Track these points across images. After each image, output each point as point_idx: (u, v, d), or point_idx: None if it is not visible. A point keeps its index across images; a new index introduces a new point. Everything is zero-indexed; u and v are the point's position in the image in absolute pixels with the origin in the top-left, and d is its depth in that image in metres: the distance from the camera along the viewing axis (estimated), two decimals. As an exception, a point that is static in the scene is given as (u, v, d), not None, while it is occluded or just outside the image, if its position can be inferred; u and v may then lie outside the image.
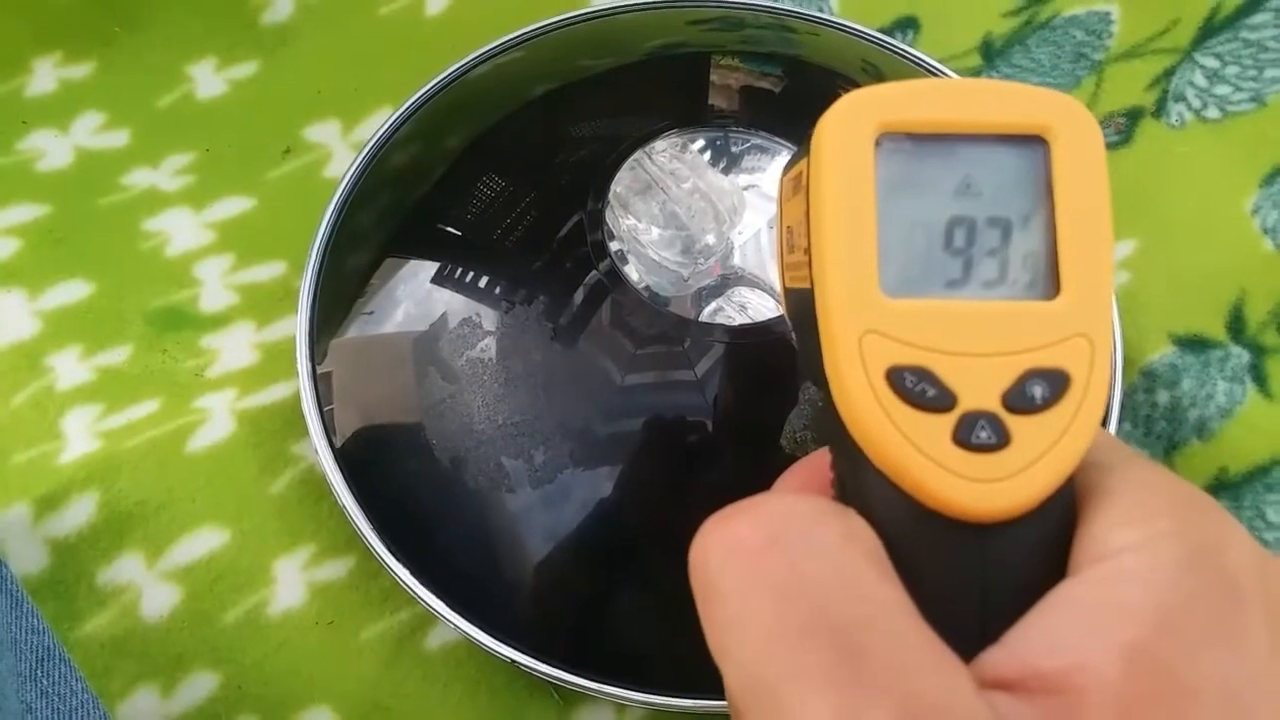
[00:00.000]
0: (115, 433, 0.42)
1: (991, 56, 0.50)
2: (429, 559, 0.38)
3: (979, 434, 0.18)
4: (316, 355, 0.41)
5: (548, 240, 0.40)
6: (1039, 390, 0.18)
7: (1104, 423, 0.41)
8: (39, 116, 0.49)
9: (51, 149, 0.48)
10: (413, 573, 0.37)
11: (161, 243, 0.47)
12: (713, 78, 0.47)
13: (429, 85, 0.47)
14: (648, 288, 0.38)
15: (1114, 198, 0.48)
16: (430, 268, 0.41)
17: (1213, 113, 0.47)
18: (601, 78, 0.49)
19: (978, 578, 0.18)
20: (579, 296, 0.38)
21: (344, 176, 0.45)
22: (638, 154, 0.39)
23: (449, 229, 0.42)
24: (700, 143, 0.41)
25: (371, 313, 0.41)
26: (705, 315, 0.38)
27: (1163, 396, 0.42)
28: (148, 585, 0.39)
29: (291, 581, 0.39)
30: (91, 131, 0.49)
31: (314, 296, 0.42)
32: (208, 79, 0.50)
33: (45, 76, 0.50)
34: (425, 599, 0.37)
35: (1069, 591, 0.17)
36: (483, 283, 0.40)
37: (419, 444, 0.38)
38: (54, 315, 0.45)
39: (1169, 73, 0.48)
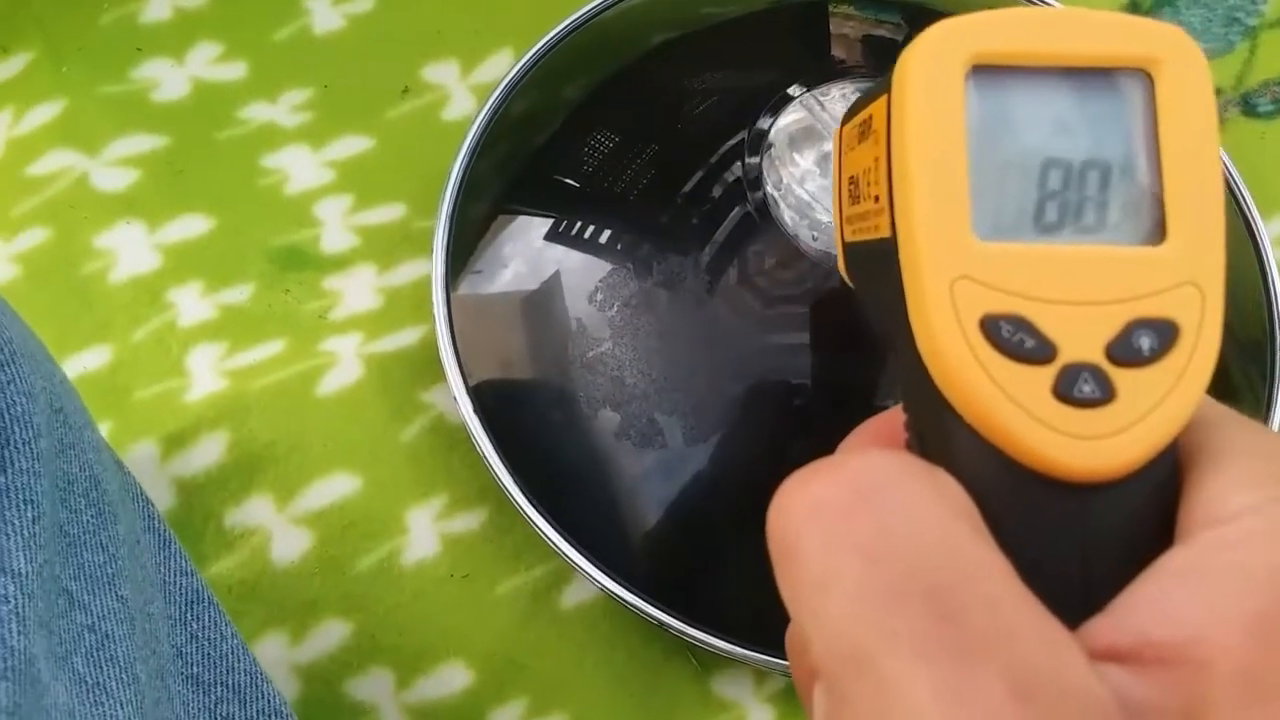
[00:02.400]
0: (242, 372, 0.41)
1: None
2: (569, 512, 0.37)
3: (1082, 387, 0.17)
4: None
5: (702, 190, 0.38)
6: (1146, 341, 0.17)
7: (1266, 413, 0.40)
8: (153, 44, 0.47)
9: (167, 79, 0.47)
10: (554, 526, 0.36)
11: (280, 180, 0.45)
12: (833, 28, 0.46)
13: (557, 30, 0.46)
14: (797, 238, 0.37)
15: (1271, 169, 0.46)
16: (574, 221, 0.39)
17: (1376, 85, 0.45)
18: (724, 27, 0.47)
19: (1079, 542, 0.17)
20: (736, 247, 0.37)
21: (475, 118, 0.43)
22: (806, 98, 0.37)
23: (573, 181, 0.41)
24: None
25: (507, 264, 0.40)
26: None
27: (1319, 378, 0.41)
28: (278, 529, 0.38)
29: (424, 532, 0.38)
30: (208, 62, 0.47)
31: (448, 243, 0.41)
32: (325, 13, 0.49)
33: (160, 3, 0.48)
34: (567, 553, 0.36)
35: (1182, 557, 0.16)
36: (633, 235, 0.38)
37: (564, 396, 0.37)
38: (174, 249, 0.43)
39: (1328, 42, 0.46)
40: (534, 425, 0.38)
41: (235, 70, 0.47)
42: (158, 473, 0.39)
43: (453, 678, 0.37)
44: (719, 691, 0.37)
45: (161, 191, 0.44)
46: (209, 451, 0.39)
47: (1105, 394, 0.17)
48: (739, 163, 0.38)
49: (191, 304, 0.42)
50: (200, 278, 0.43)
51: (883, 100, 0.19)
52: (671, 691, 0.37)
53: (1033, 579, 0.16)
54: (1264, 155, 0.45)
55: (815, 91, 0.37)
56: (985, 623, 0.15)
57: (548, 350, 0.38)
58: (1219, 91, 0.46)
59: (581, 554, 0.36)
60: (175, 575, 0.32)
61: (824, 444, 0.37)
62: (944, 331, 0.17)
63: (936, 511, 0.16)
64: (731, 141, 0.40)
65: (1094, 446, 0.17)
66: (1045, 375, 0.17)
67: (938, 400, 0.18)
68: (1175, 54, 0.18)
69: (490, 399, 0.38)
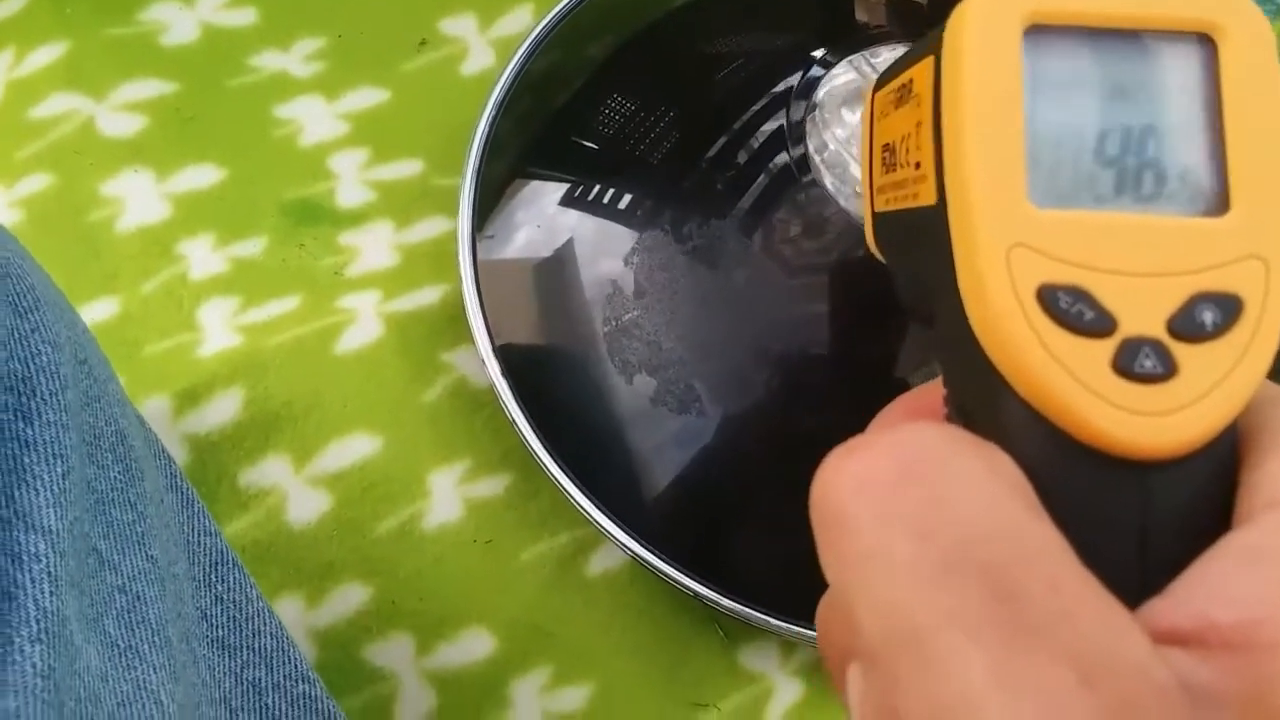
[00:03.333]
0: (257, 328, 0.39)
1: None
2: (597, 478, 0.36)
3: (1143, 362, 0.16)
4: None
5: (737, 153, 0.37)
6: (1209, 316, 0.16)
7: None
8: (162, -14, 0.46)
9: (176, 22, 0.45)
10: (582, 490, 0.35)
11: (294, 131, 0.44)
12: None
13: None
14: (840, 201, 0.36)
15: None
16: (604, 184, 0.38)
17: None
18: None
19: (1137, 522, 0.16)
20: (777, 211, 0.36)
21: (501, 75, 0.42)
22: (855, 58, 0.36)
23: (596, 145, 0.40)
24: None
25: (535, 225, 0.39)
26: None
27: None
28: (294, 489, 0.37)
29: (447, 496, 0.37)
30: (217, 7, 0.46)
31: (474, 201, 0.39)
32: (340, -41, 0.47)
33: (169, -56, 0.46)
34: (595, 517, 0.35)
35: (1243, 539, 0.16)
36: (667, 198, 0.37)
37: (596, 361, 0.36)
38: (184, 199, 0.42)
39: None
40: (563, 389, 0.37)
41: (246, 16, 0.46)
42: (170, 430, 0.38)
43: (475, 644, 0.36)
44: (746, 663, 0.37)
45: (170, 139, 0.43)
46: (224, 409, 0.38)
47: (1167, 369, 0.16)
48: (775, 125, 0.37)
49: (202, 256, 0.41)
50: (211, 230, 0.41)
51: (926, 63, 0.19)
52: (698, 662, 0.36)
53: (1088, 560, 0.15)
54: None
55: (865, 52, 0.36)
56: (1044, 602, 0.14)
57: (578, 314, 0.37)
58: None
59: (610, 518, 0.35)
60: (199, 535, 0.31)
61: (864, 413, 0.36)
62: (999, 301, 0.16)
63: (991, 486, 0.15)
64: (758, 106, 0.39)
65: (1155, 423, 0.16)
66: (1105, 349, 0.16)
67: (988, 373, 0.17)
68: (1239, 19, 0.18)
69: (516, 362, 0.37)
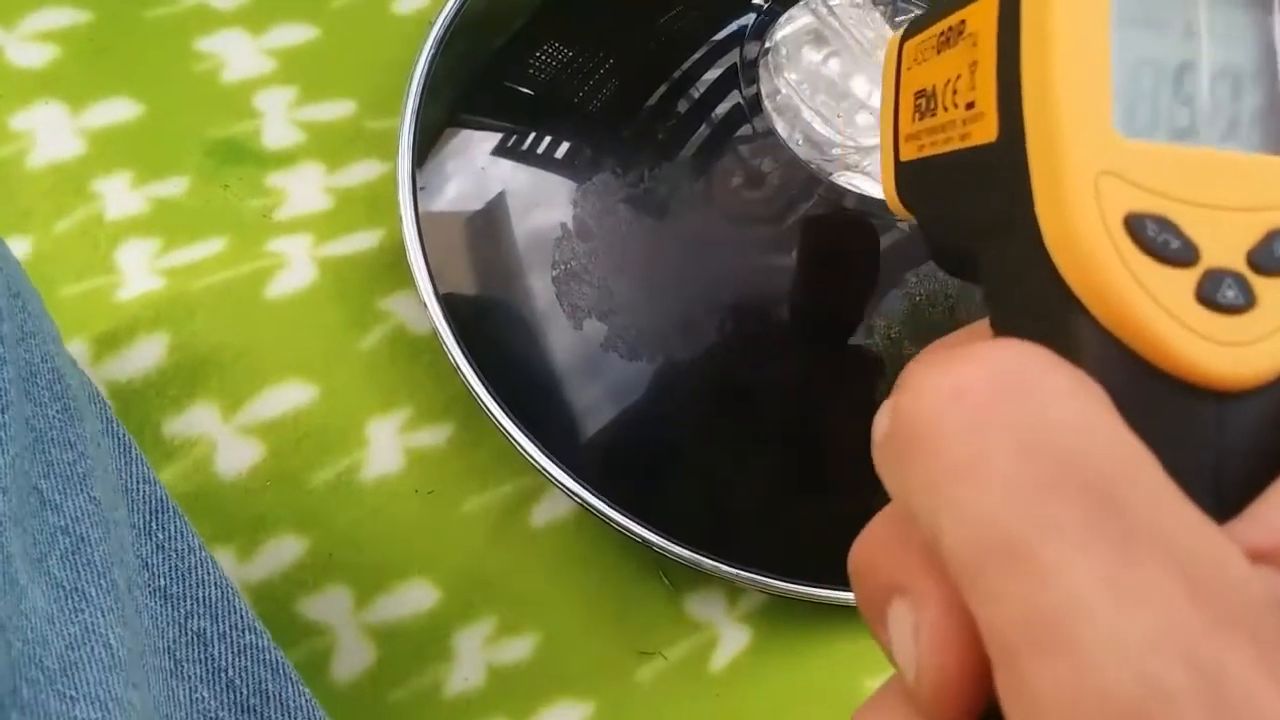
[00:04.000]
0: (180, 270, 0.38)
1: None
2: (541, 424, 0.35)
3: (1225, 293, 0.17)
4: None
5: (678, 100, 0.37)
6: None
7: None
8: (71, -91, 0.43)
9: (87, -53, 0.42)
10: (527, 436, 0.35)
11: (216, 66, 0.42)
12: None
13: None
14: (794, 146, 0.36)
15: None
16: (546, 128, 0.38)
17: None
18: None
19: (1213, 450, 0.17)
20: (730, 157, 0.36)
21: (440, 13, 0.41)
22: (814, 2, 0.36)
23: (530, 90, 0.39)
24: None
25: (484, 168, 0.38)
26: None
27: None
28: (223, 439, 0.36)
29: (386, 445, 0.36)
30: (132, -67, 0.43)
31: (414, 142, 0.38)
32: (264, -111, 0.45)
33: None
34: (541, 462, 0.34)
35: None
36: (616, 142, 0.37)
37: (541, 305, 0.35)
38: (99, 135, 0.40)
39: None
40: (507, 334, 0.36)
41: (163, -56, 0.43)
42: (88, 374, 0.35)
43: (416, 596, 0.35)
44: (692, 611, 0.37)
45: (84, 71, 0.40)
46: (146, 354, 0.36)
47: (1247, 300, 0.17)
48: (716, 73, 0.37)
49: (119, 195, 0.39)
50: (129, 168, 0.39)
51: (984, 4, 0.19)
52: (644, 611, 0.36)
53: None
54: None
55: (821, -2, 0.36)
56: (1148, 512, 0.14)
57: (524, 258, 0.36)
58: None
59: (556, 464, 0.35)
60: (138, 483, 0.29)
61: (811, 362, 0.37)
62: (1087, 228, 0.17)
63: (1087, 404, 0.15)
64: (699, 54, 0.39)
65: (1235, 352, 0.16)
66: (1189, 278, 0.16)
67: (1064, 303, 0.17)
68: None
69: (458, 308, 0.36)
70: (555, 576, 0.36)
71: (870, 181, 0.37)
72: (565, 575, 0.36)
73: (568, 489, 0.34)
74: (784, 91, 0.36)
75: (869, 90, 0.37)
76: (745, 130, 0.36)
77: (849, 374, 0.35)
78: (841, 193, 0.35)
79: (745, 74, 0.36)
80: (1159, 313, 0.16)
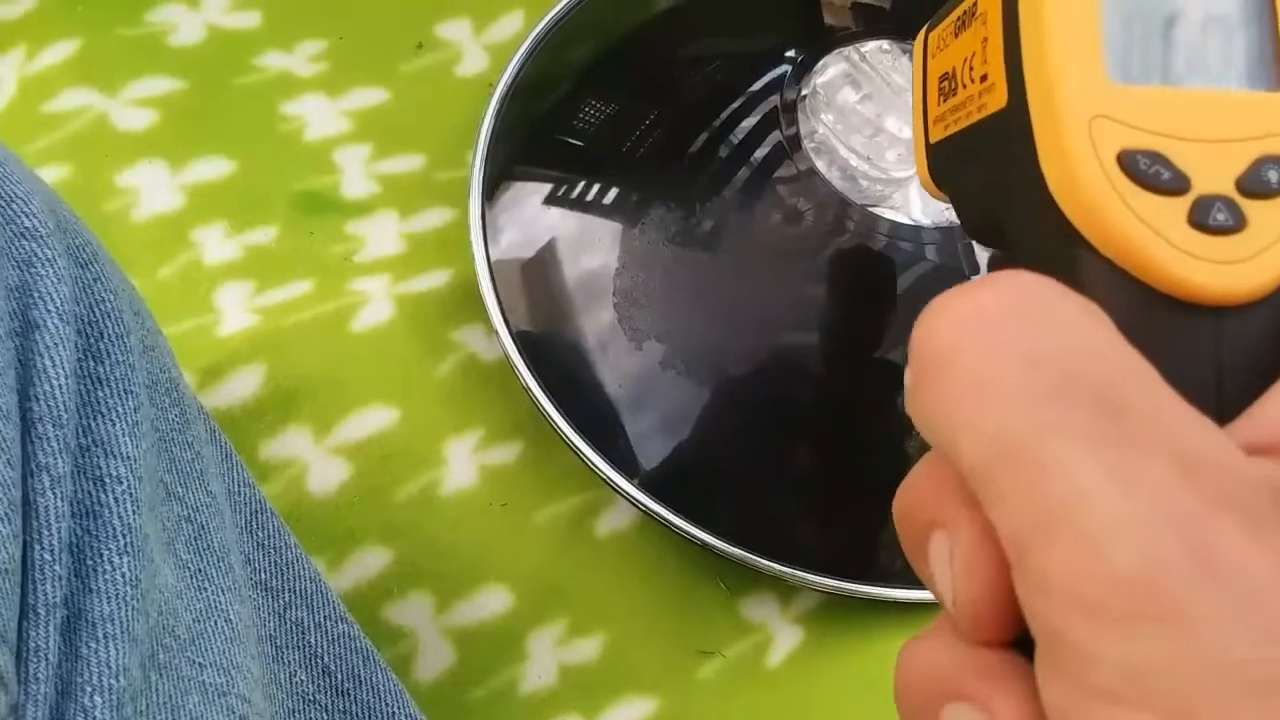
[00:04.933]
0: (273, 309, 0.41)
1: None
2: (607, 440, 0.38)
3: (1216, 216, 0.18)
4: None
5: (718, 146, 0.40)
6: (1274, 175, 0.18)
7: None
8: (168, -10, 0.48)
9: (183, 23, 0.47)
10: (594, 448, 0.37)
11: (299, 127, 0.46)
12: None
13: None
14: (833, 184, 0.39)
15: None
16: (595, 177, 0.41)
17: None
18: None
19: (1213, 362, 0.18)
20: (771, 190, 0.39)
21: (503, 74, 0.44)
22: (848, 50, 0.39)
23: (583, 142, 0.43)
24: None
25: (541, 212, 0.41)
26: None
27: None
28: (315, 460, 0.39)
29: (463, 463, 0.39)
30: (222, 9, 0.48)
31: (483, 185, 0.42)
32: (339, -33, 0.49)
33: (175, -50, 0.48)
34: (607, 473, 0.37)
35: None
36: (667, 181, 0.40)
37: (603, 329, 0.38)
38: (197, 190, 0.44)
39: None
40: (569, 359, 0.39)
41: (249, 19, 0.48)
42: (191, 404, 0.39)
43: (493, 601, 0.38)
44: (747, 613, 0.39)
45: (182, 133, 0.45)
46: (244, 384, 0.39)
47: (1237, 222, 0.18)
48: (753, 120, 0.40)
49: (216, 243, 0.43)
50: (223, 218, 0.43)
51: None
52: (703, 614, 0.38)
53: None
54: None
55: (854, 46, 0.40)
56: (1147, 414, 0.15)
57: (587, 285, 0.39)
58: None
59: (621, 474, 0.37)
60: (239, 486, 0.32)
61: (853, 378, 0.39)
62: (1083, 166, 0.18)
63: (1090, 322, 0.16)
64: (736, 104, 0.42)
65: (1228, 270, 0.18)
66: (1181, 205, 0.18)
67: (1071, 241, 0.19)
68: None
69: (525, 336, 0.39)
70: (620, 582, 0.38)
71: (899, 212, 0.39)
72: (629, 581, 0.38)
73: (632, 497, 0.37)
74: (821, 132, 0.39)
75: (899, 127, 0.39)
76: (785, 169, 0.39)
77: (891, 383, 0.38)
78: (875, 220, 0.38)
79: (785, 116, 0.39)
80: (1155, 238, 0.18)
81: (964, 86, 0.22)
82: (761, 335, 0.38)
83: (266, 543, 0.32)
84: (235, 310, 0.41)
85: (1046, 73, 0.19)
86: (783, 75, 0.41)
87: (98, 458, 0.25)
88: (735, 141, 0.41)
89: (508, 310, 0.40)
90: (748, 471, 0.38)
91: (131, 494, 0.25)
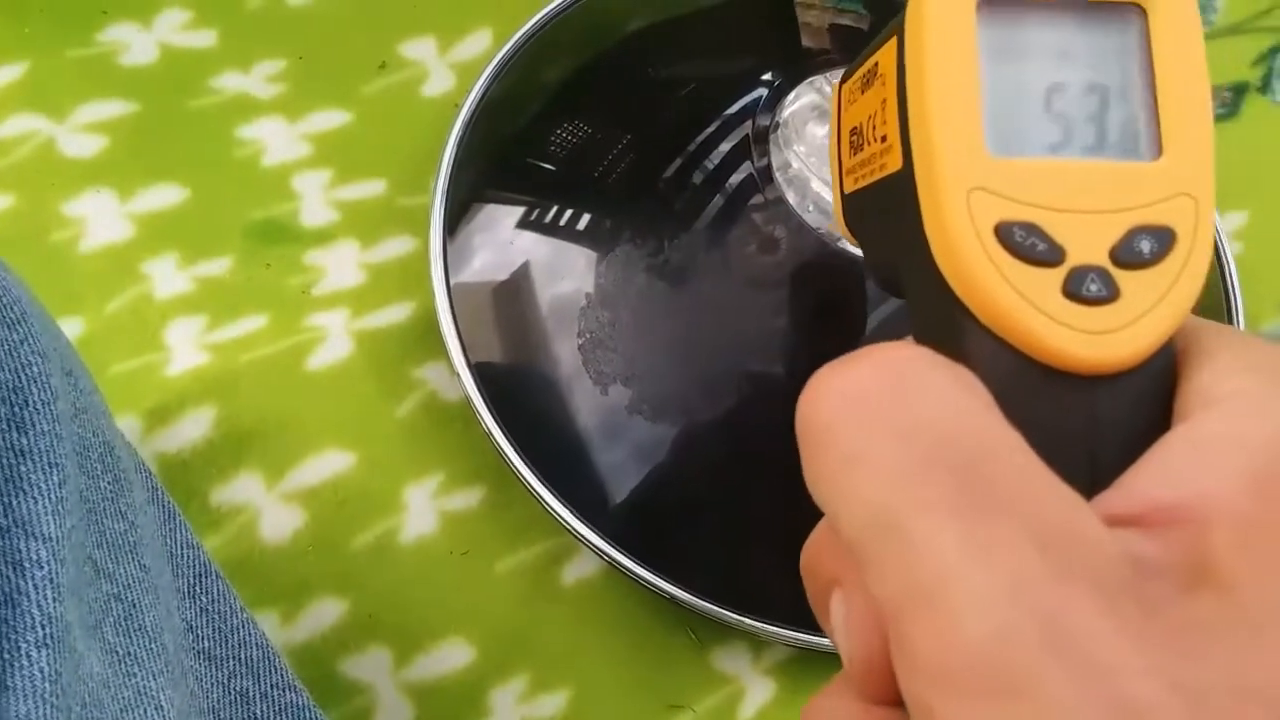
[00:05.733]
0: (225, 346, 0.39)
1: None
2: (570, 486, 0.36)
3: (1089, 287, 0.18)
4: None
5: (693, 172, 0.39)
6: (1146, 245, 0.19)
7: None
8: (119, 7, 0.46)
9: (135, 43, 0.45)
10: (557, 497, 0.36)
11: (256, 152, 0.44)
12: (799, 16, 0.47)
13: (546, 10, 0.46)
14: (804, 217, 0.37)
15: (1224, 170, 0.48)
16: (569, 203, 0.39)
17: (1317, 92, 0.48)
18: (701, 14, 0.48)
19: (1087, 430, 0.18)
20: (746, 227, 0.37)
21: (468, 95, 0.43)
22: (818, 80, 0.38)
23: (551, 166, 0.41)
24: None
25: (509, 241, 0.40)
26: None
27: (1272, 364, 0.43)
28: (267, 507, 0.37)
29: (422, 509, 0.38)
30: (176, 28, 0.46)
31: (445, 217, 0.40)
32: (300, -17, 0.48)
33: (127, -34, 0.46)
34: (571, 523, 0.35)
35: (1181, 433, 0.18)
36: (632, 216, 0.39)
37: (568, 372, 0.37)
38: (147, 219, 0.42)
39: (1274, 51, 0.49)
40: (535, 400, 0.37)
41: (205, 38, 0.46)
42: (139, 448, 0.37)
43: (453, 655, 0.36)
44: (718, 665, 0.37)
45: (132, 159, 0.43)
46: (194, 427, 0.38)
47: (1110, 293, 0.18)
48: (728, 145, 0.39)
49: (167, 276, 0.41)
50: (175, 249, 0.41)
51: (890, 44, 0.21)
52: (672, 666, 0.37)
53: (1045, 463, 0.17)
54: (1217, 156, 0.47)
55: (825, 74, 0.38)
56: (1010, 488, 0.16)
57: (552, 327, 0.38)
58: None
59: (585, 524, 0.36)
60: (181, 548, 0.31)
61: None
62: (962, 238, 0.19)
63: (962, 396, 0.17)
64: (711, 128, 0.40)
65: (1101, 340, 0.18)
66: (1056, 276, 0.18)
67: (954, 307, 0.19)
68: None
69: (488, 376, 0.38)
70: (586, 633, 0.37)
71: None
72: (596, 631, 0.37)
73: (596, 547, 0.35)
74: (794, 165, 0.37)
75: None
76: (758, 199, 0.37)
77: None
78: (851, 258, 0.36)
79: (757, 148, 0.38)
80: (1030, 309, 0.18)
81: (869, 144, 0.22)
82: (731, 379, 0.37)
83: (210, 608, 0.30)
84: (186, 347, 0.39)
85: (928, 144, 0.19)
86: (759, 99, 0.40)
87: (17, 539, 0.23)
88: (710, 167, 0.40)
89: (470, 347, 0.38)
90: (719, 520, 0.37)
91: (52, 579, 0.23)
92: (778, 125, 0.38)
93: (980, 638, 0.14)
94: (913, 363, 0.17)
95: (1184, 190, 0.19)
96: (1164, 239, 0.19)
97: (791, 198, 0.37)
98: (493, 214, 0.41)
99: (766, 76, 0.41)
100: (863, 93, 0.22)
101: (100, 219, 0.41)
